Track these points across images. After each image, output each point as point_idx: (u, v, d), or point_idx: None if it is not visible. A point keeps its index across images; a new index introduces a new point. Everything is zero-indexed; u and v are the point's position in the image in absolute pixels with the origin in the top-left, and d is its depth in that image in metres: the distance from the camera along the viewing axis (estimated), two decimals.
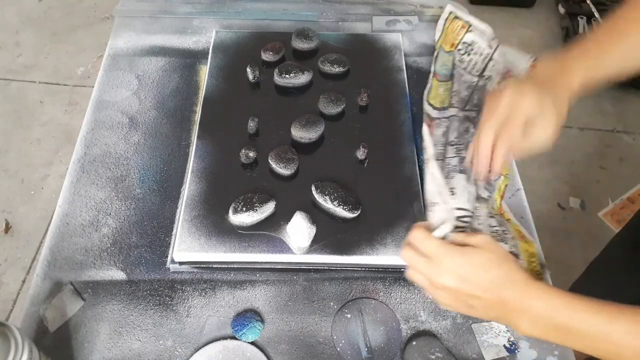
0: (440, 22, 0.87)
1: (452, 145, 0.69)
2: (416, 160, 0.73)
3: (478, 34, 0.83)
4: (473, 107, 0.76)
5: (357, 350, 0.59)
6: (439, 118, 0.75)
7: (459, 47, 0.82)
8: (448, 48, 0.83)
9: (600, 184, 1.65)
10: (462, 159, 0.66)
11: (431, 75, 0.81)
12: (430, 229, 0.52)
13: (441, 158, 0.68)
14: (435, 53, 0.83)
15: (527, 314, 0.47)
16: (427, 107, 0.77)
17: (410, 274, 0.53)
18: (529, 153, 0.55)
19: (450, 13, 0.87)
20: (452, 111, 0.75)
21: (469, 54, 0.81)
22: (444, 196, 0.56)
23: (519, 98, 0.53)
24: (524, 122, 0.53)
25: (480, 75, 0.79)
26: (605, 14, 2.00)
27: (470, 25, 0.84)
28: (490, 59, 0.81)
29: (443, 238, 0.51)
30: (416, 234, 0.51)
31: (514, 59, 0.80)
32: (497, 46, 0.81)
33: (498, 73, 0.79)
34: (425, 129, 0.71)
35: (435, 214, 0.55)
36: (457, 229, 0.53)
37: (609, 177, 1.67)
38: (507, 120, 0.53)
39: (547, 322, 0.46)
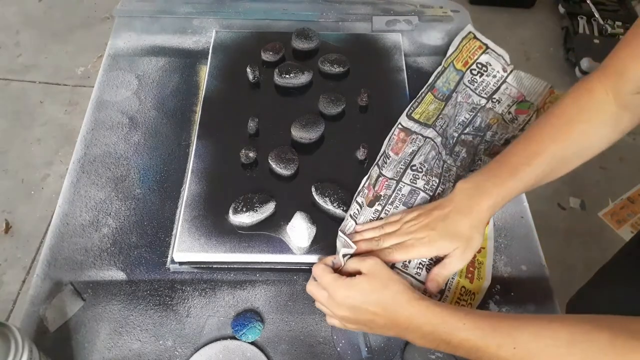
0: (457, 39, 0.86)
1: (413, 170, 0.68)
2: None
3: (494, 56, 0.84)
4: (472, 131, 0.75)
5: (357, 350, 0.59)
6: (417, 133, 0.72)
7: (473, 67, 0.82)
8: (459, 66, 0.82)
9: (600, 184, 1.65)
10: (413, 191, 0.66)
11: (427, 88, 0.79)
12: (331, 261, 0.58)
13: (397, 178, 0.68)
14: (441, 68, 0.82)
15: (416, 332, 0.51)
16: (407, 121, 0.74)
17: (317, 305, 0.58)
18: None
19: (470, 32, 0.87)
20: (430, 133, 0.72)
21: (482, 75, 0.81)
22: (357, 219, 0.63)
23: (427, 247, 0.58)
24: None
25: (490, 98, 0.79)
26: (605, 14, 2.00)
27: (487, 47, 0.85)
28: (504, 82, 0.81)
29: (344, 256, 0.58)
30: (316, 269, 0.57)
31: (530, 85, 0.81)
32: (512, 70, 0.82)
33: (510, 96, 0.79)
34: (386, 142, 0.72)
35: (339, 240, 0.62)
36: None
37: (609, 177, 1.67)
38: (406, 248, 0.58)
39: (433, 337, 0.50)
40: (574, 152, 0.60)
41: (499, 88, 0.80)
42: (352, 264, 0.56)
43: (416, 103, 0.77)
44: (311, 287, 0.57)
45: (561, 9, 2.07)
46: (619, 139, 0.61)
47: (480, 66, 0.82)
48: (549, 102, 0.77)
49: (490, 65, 0.82)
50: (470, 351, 0.48)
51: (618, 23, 1.97)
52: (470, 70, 0.82)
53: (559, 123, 0.60)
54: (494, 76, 0.81)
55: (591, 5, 2.02)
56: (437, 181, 0.68)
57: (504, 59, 0.84)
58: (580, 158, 0.61)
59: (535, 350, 0.45)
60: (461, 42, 0.86)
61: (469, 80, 0.80)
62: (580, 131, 0.59)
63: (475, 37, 0.86)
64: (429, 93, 0.78)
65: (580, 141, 0.60)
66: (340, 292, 0.53)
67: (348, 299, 0.53)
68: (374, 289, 0.52)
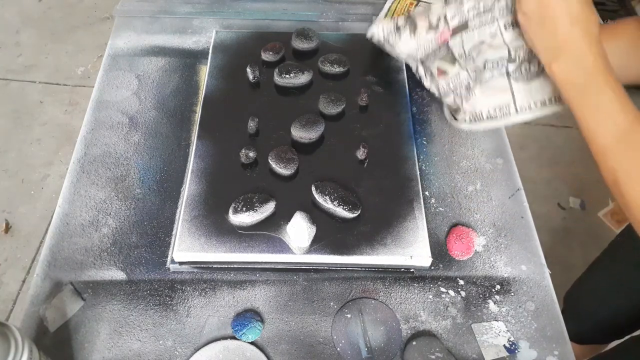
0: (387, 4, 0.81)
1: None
2: (416, 160, 0.73)
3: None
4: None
5: (357, 350, 0.59)
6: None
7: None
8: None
9: (600, 184, 1.64)
10: None
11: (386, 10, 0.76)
12: None
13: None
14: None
15: (575, 58, 0.51)
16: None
17: None
18: None
19: None
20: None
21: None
22: None
23: None
24: None
25: None
26: (605, 14, 2.00)
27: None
28: None
29: None
30: None
31: None
32: None
33: None
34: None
35: None
36: None
37: None
38: None
39: (583, 74, 0.50)
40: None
41: None
42: None
43: (392, 12, 0.76)
44: None
45: None
46: (633, 81, 0.62)
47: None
48: None
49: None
50: (589, 106, 0.51)
51: None
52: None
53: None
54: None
55: None
56: None
57: None
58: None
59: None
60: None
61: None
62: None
63: None
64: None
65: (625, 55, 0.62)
66: None
67: None
68: (587, 8, 0.51)
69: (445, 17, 0.65)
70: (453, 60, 0.66)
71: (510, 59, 0.61)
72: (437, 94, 0.70)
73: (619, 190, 0.51)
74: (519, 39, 0.60)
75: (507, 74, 0.62)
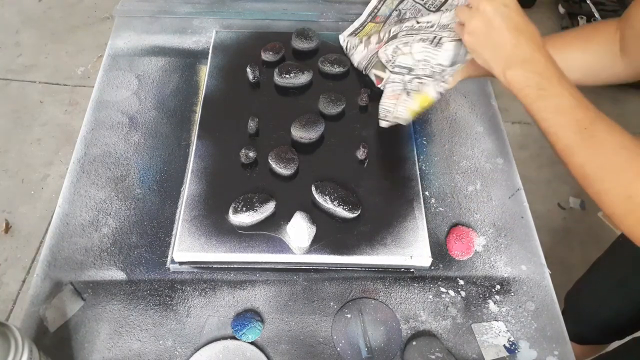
0: None
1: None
2: (416, 160, 0.73)
3: None
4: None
5: (357, 350, 0.59)
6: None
7: None
8: None
9: None
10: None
11: (368, 17, 0.81)
12: None
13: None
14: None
15: (526, 64, 0.53)
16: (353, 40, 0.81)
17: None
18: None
19: None
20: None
21: None
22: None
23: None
24: None
25: (438, 11, 0.75)
26: (605, 14, 2.00)
27: None
28: None
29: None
30: None
31: None
32: None
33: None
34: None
35: None
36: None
37: None
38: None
39: (537, 77, 0.53)
40: (575, 65, 0.64)
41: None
42: None
43: (355, 29, 0.82)
44: None
45: (561, 9, 2.07)
46: (612, 82, 0.65)
47: None
48: None
49: None
50: (548, 107, 0.52)
51: None
52: None
53: (574, 34, 0.67)
54: None
55: (591, 5, 2.02)
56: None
57: None
58: (577, 72, 0.65)
59: (602, 139, 0.50)
60: None
61: None
62: (586, 50, 0.65)
63: None
64: (370, 22, 0.80)
65: (581, 59, 0.65)
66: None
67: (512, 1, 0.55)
68: (526, 19, 0.55)
69: (389, 32, 0.71)
70: (384, 67, 0.73)
71: (410, 69, 0.67)
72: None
73: (589, 184, 0.52)
74: (424, 53, 0.64)
75: (404, 82, 0.68)
